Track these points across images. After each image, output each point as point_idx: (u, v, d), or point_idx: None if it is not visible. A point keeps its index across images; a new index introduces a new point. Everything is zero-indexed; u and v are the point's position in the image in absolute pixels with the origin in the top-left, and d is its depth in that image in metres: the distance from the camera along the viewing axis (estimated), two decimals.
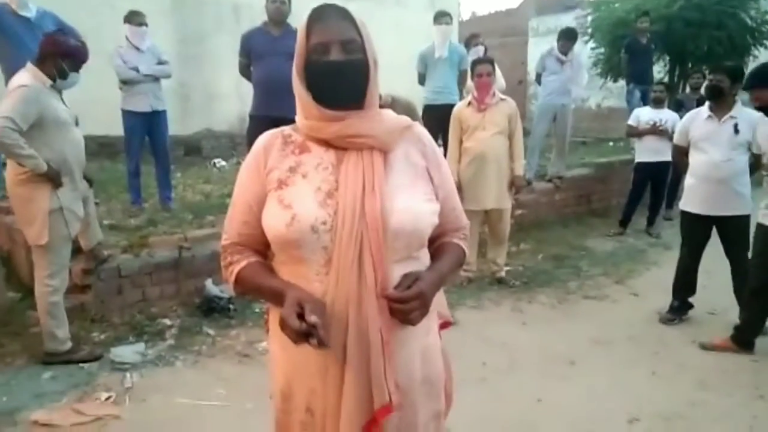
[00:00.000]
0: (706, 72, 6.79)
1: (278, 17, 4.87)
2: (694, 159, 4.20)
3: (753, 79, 3.74)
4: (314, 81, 1.32)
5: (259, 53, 4.87)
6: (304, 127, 1.37)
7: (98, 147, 8.33)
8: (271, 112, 4.68)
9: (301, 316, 1.18)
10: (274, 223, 1.31)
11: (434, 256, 1.45)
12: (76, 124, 3.62)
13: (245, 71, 5.13)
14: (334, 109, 1.31)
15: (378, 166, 1.31)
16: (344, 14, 1.34)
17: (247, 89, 11.40)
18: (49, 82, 3.42)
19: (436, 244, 1.47)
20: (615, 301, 4.80)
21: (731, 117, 4.05)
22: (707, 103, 4.22)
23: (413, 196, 1.34)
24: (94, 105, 7.82)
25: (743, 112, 4.08)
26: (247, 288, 1.42)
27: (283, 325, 1.21)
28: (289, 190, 1.32)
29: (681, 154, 4.39)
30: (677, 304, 4.40)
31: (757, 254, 3.80)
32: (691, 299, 4.41)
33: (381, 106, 1.39)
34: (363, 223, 1.26)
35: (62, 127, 3.45)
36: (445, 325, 1.61)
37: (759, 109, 3.76)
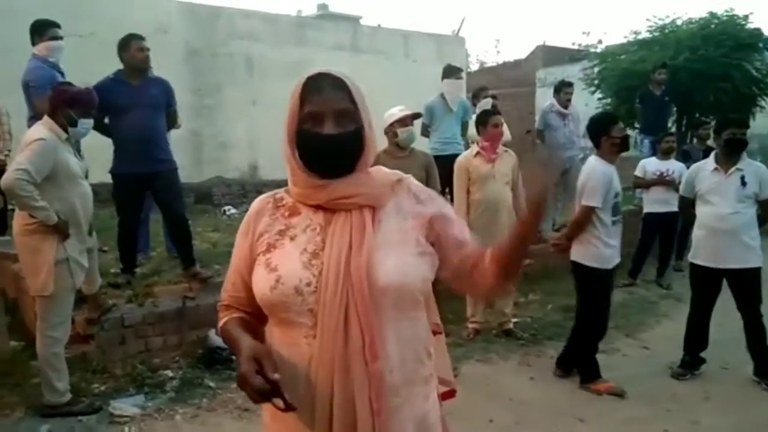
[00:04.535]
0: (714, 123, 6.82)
1: (145, 65, 4.62)
2: (701, 211, 4.18)
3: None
4: (306, 151, 1.31)
5: (120, 106, 4.45)
6: (294, 194, 1.37)
7: (110, 194, 8.43)
8: (140, 169, 4.45)
9: (262, 374, 1.14)
10: (260, 286, 1.31)
11: (500, 251, 1.36)
12: (86, 176, 3.68)
13: (97, 127, 4.36)
14: (324, 179, 1.31)
15: (366, 223, 1.29)
16: (339, 84, 1.32)
17: (259, 138, 11.57)
18: (64, 134, 3.51)
19: (487, 256, 1.38)
20: (625, 355, 4.69)
21: (737, 169, 4.05)
22: (712, 155, 4.23)
23: (403, 250, 1.30)
24: (108, 152, 7.99)
25: (750, 164, 4.09)
26: (226, 343, 1.42)
27: (242, 382, 1.16)
28: (276, 253, 1.32)
29: (687, 205, 4.38)
30: (689, 358, 4.30)
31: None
32: (703, 354, 4.31)
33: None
34: (348, 282, 1.23)
35: (73, 181, 3.52)
36: (448, 394, 1.55)
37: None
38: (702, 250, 4.16)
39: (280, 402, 1.15)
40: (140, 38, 4.59)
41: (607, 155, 3.98)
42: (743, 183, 4.01)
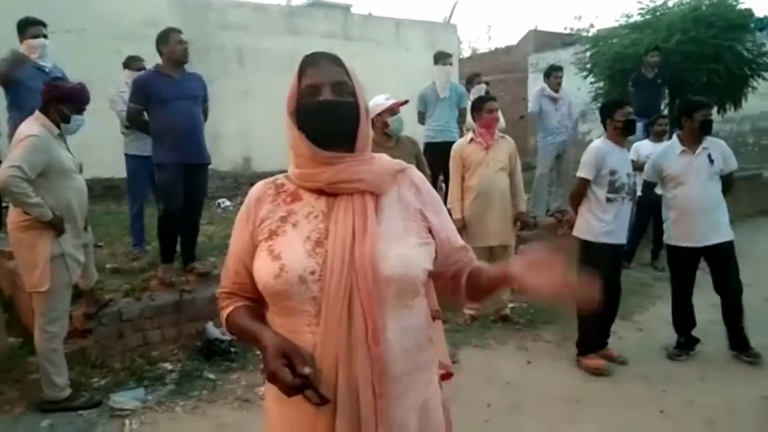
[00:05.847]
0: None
1: (185, 59, 4.58)
2: (674, 193, 4.26)
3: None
4: (306, 121, 1.33)
5: (162, 98, 4.45)
6: (296, 177, 1.37)
7: (103, 189, 8.43)
8: (181, 159, 4.45)
9: (291, 368, 1.16)
10: (263, 274, 1.30)
11: (478, 278, 1.44)
12: (80, 171, 3.67)
13: (137, 118, 4.66)
14: (325, 150, 1.31)
15: (369, 210, 1.29)
16: (335, 59, 1.37)
17: (252, 130, 11.45)
18: (57, 130, 3.50)
19: (469, 269, 1.46)
20: (621, 337, 4.72)
21: (704, 148, 4.16)
22: (675, 138, 4.34)
23: (405, 240, 1.31)
24: (99, 148, 7.95)
25: (712, 142, 4.22)
26: (235, 332, 1.42)
27: (273, 378, 1.18)
28: (278, 240, 1.31)
29: (651, 189, 4.50)
30: (683, 339, 4.35)
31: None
32: (698, 334, 4.36)
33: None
34: (352, 270, 1.23)
35: (67, 176, 3.52)
36: (446, 376, 1.57)
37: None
38: (678, 231, 4.24)
39: (314, 395, 1.16)
40: (178, 31, 4.58)
41: (613, 138, 4.11)
42: (711, 160, 4.12)
